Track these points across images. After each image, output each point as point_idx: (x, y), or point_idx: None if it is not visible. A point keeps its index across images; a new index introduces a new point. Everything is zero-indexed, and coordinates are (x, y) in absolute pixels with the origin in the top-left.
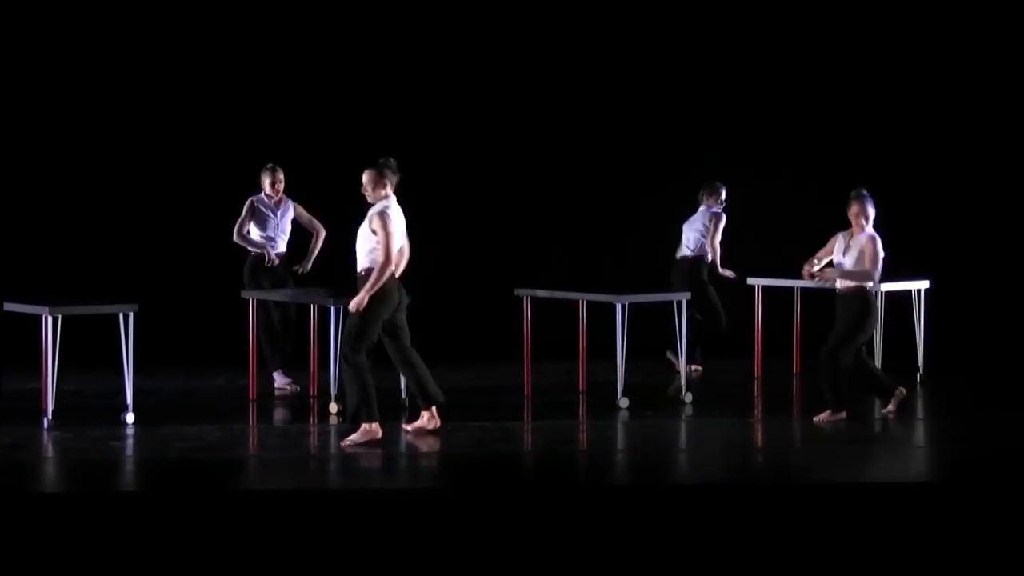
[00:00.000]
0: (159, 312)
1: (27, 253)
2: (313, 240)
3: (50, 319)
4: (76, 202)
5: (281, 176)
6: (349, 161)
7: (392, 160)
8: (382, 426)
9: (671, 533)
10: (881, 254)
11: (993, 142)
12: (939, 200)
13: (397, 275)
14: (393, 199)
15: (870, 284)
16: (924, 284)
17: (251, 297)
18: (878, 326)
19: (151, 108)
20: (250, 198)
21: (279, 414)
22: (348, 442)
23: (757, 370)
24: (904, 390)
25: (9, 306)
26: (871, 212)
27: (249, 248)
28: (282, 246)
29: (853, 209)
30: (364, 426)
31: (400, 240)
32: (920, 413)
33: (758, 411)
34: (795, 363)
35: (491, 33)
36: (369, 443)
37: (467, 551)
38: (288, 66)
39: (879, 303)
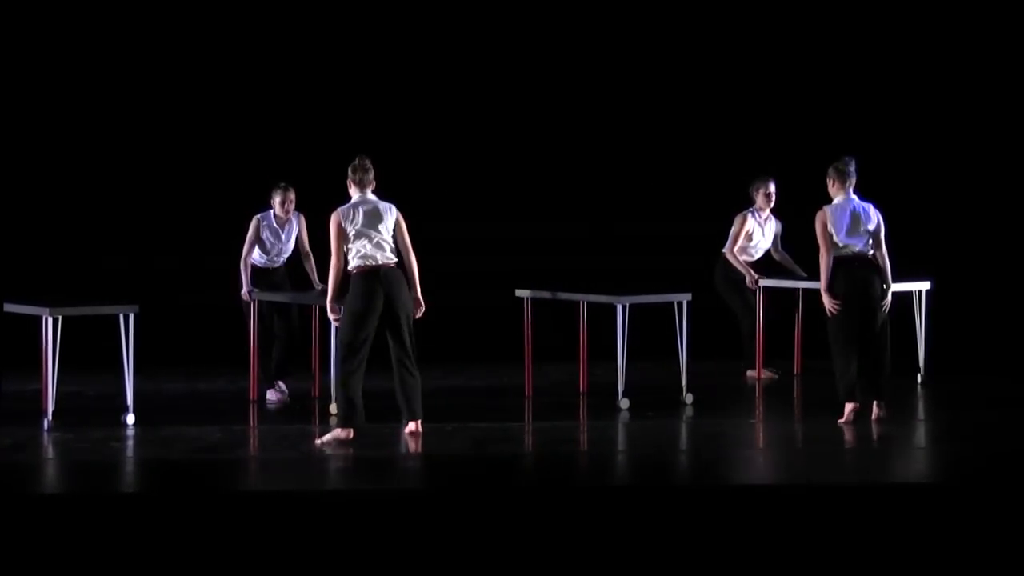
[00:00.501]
0: (159, 313)
1: (27, 254)
2: (307, 263)
3: (50, 320)
4: (76, 203)
5: (292, 196)
6: (343, 160)
7: (357, 160)
8: (358, 431)
9: (672, 534)
10: (818, 229)
11: (993, 143)
12: (940, 201)
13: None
14: (355, 195)
15: (825, 258)
16: (925, 285)
17: (252, 299)
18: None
19: (152, 109)
20: (256, 217)
21: (280, 416)
22: (318, 441)
23: (757, 372)
24: (857, 407)
25: (9, 307)
26: (830, 185)
27: (242, 276)
28: (283, 260)
29: None
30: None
31: (353, 235)
32: (921, 414)
33: (759, 412)
34: (796, 364)
35: (492, 36)
36: (337, 441)
37: (467, 552)
38: (285, 68)
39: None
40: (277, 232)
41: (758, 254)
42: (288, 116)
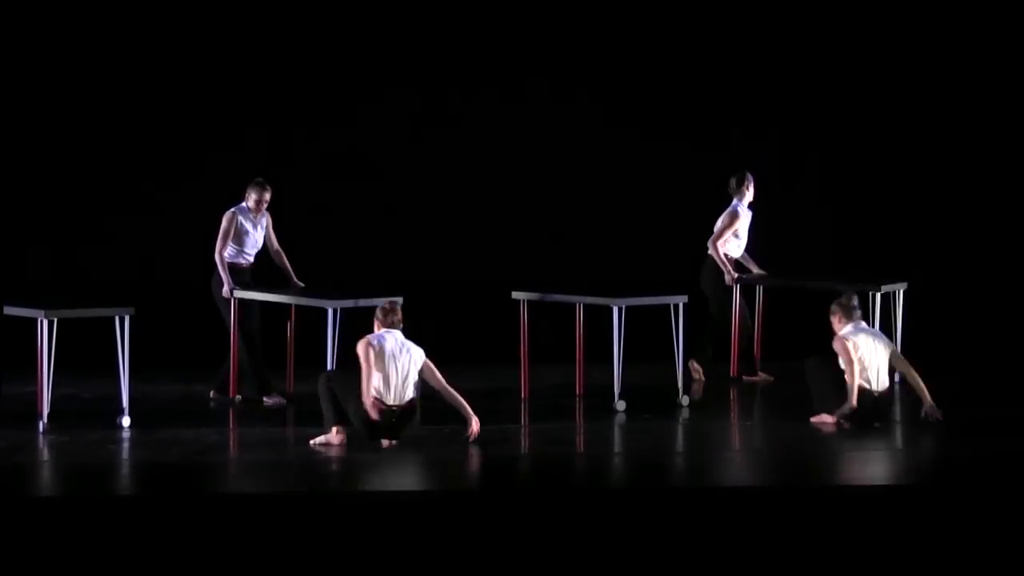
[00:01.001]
0: (155, 315)
1: (24, 256)
2: (280, 261)
3: (46, 322)
4: (73, 204)
5: (268, 196)
6: (341, 161)
7: (387, 303)
8: (344, 432)
9: (668, 536)
10: (843, 357)
11: (980, 143)
12: (919, 201)
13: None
14: (381, 331)
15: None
16: (902, 285)
17: (233, 299)
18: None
19: (149, 111)
20: (231, 210)
21: (276, 418)
22: (312, 442)
23: (733, 366)
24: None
25: (6, 309)
26: (835, 322)
27: (221, 273)
28: (254, 256)
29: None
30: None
31: (388, 371)
32: (898, 415)
33: (744, 413)
34: (754, 364)
35: (491, 33)
36: (329, 445)
37: (465, 554)
38: (279, 67)
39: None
40: (254, 224)
41: (742, 249)
42: (281, 115)
